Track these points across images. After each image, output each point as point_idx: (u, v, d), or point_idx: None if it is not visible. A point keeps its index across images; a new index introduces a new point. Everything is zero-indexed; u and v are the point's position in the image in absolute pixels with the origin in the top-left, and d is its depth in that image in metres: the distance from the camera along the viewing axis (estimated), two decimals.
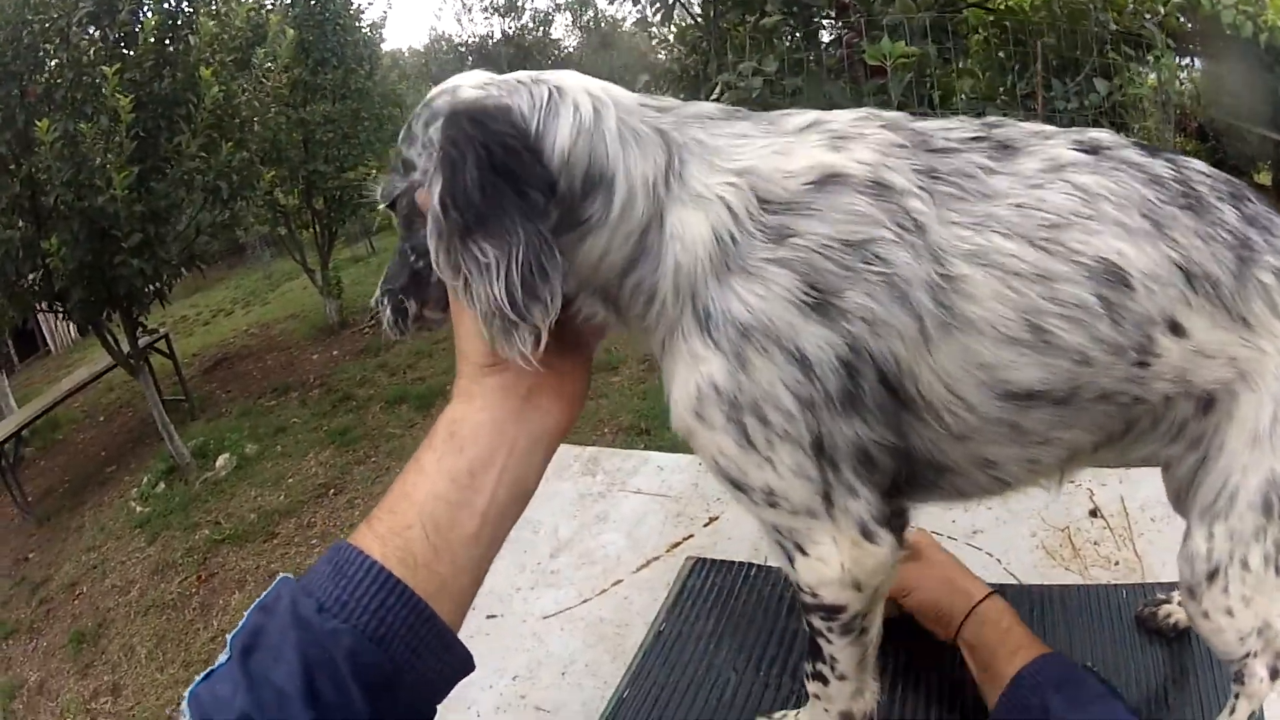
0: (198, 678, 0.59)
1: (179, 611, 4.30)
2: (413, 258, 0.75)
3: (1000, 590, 1.17)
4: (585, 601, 1.27)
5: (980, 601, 0.99)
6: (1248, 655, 0.81)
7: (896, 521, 0.76)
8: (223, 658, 0.59)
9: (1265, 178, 11.25)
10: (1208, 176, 0.72)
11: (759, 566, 1.24)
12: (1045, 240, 0.66)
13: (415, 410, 5.58)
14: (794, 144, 0.69)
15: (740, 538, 1.31)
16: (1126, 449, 0.79)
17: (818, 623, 0.79)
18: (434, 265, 0.67)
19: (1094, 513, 1.30)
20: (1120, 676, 1.01)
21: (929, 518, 1.32)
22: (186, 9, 5.40)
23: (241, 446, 5.62)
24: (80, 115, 4.59)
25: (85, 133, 4.46)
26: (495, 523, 0.69)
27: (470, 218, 0.63)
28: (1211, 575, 0.76)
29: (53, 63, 4.74)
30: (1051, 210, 0.67)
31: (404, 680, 0.61)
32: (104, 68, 4.54)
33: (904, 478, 0.75)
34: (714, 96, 2.97)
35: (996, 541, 1.27)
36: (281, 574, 0.64)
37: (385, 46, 10.67)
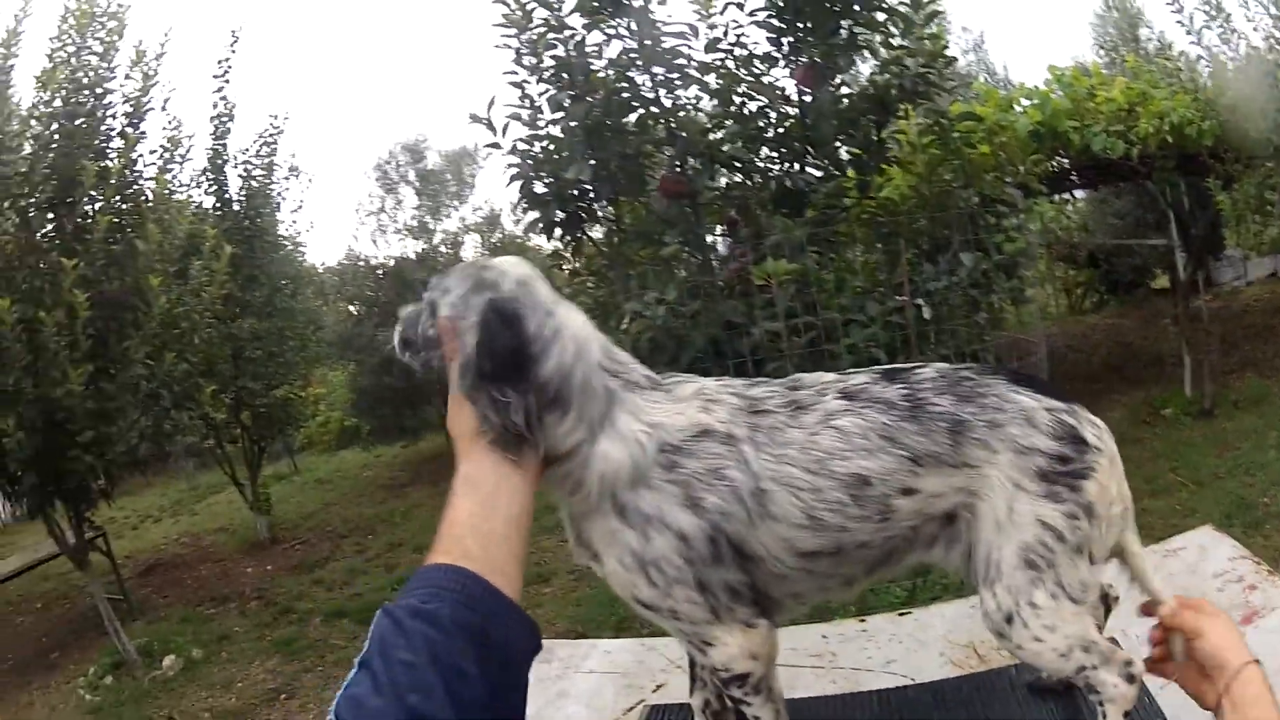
0: (336, 695, 0.71)
1: None
2: (412, 350, 1.10)
3: (900, 690, 1.37)
4: None
5: (1249, 662, 1.00)
6: (1084, 669, 1.07)
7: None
8: (352, 673, 0.73)
9: (1163, 281, 11.72)
10: (935, 379, 1.09)
11: None
12: (816, 467, 1.05)
13: (356, 624, 5.47)
14: (685, 408, 1.07)
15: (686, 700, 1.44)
16: (895, 566, 1.14)
17: (737, 693, 1.11)
18: (456, 384, 0.99)
19: None
20: None
21: (849, 655, 1.54)
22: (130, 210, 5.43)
23: (188, 650, 5.49)
24: (39, 303, 4.54)
25: (45, 322, 4.41)
26: (515, 527, 0.91)
27: (493, 371, 0.97)
28: (1009, 619, 1.06)
29: (9, 245, 4.68)
30: (822, 449, 1.06)
31: (492, 637, 0.78)
32: (63, 259, 4.55)
33: (756, 602, 1.09)
34: (624, 326, 3.18)
35: (909, 667, 1.48)
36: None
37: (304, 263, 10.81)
